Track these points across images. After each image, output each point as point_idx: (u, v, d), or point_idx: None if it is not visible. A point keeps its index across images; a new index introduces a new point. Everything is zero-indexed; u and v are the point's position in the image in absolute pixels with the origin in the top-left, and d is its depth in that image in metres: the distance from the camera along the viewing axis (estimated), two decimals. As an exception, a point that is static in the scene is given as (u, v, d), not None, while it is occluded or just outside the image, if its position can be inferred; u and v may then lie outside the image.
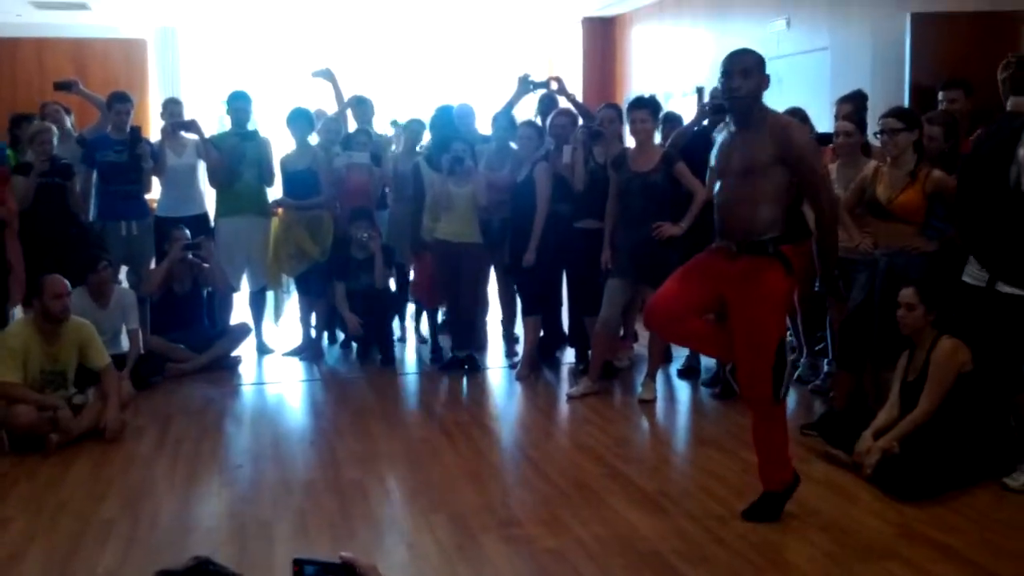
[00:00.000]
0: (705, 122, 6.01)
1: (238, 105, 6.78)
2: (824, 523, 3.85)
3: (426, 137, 7.05)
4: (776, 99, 6.22)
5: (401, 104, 10.30)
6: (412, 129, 7.12)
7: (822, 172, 3.74)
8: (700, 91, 8.50)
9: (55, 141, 6.28)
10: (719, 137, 3.91)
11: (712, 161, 3.92)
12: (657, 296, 3.89)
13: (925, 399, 4.33)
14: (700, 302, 3.86)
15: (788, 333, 5.96)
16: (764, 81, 3.68)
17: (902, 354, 4.54)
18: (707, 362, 6.14)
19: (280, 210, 6.87)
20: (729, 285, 3.72)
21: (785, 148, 3.61)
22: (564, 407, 5.69)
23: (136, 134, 6.55)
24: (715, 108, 5.90)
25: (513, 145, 6.45)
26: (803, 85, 7.24)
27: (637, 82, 10.42)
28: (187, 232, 6.47)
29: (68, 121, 6.92)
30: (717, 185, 3.86)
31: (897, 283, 4.56)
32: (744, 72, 3.63)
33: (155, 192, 7.02)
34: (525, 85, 6.76)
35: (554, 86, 6.84)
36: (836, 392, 5.22)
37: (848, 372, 5.05)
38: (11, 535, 3.80)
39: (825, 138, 5.70)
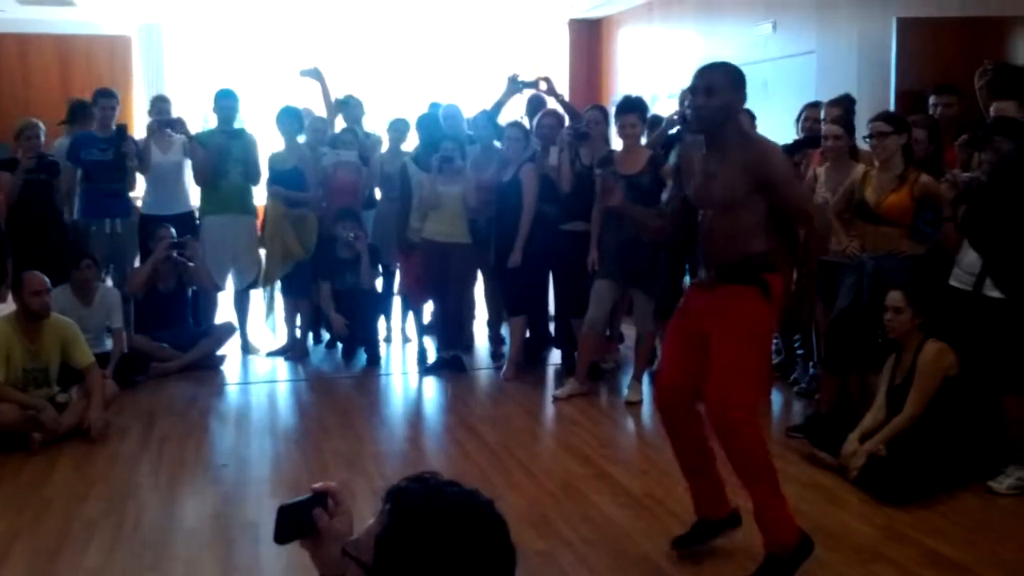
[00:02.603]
0: (674, 130, 6.04)
1: (224, 103, 6.74)
2: (810, 526, 3.82)
3: (412, 137, 7.04)
4: (761, 103, 6.29)
5: (388, 103, 10.28)
6: (396, 129, 7.10)
7: (799, 193, 3.41)
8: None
9: (42, 137, 6.26)
10: (691, 153, 3.53)
11: (682, 184, 3.56)
12: (662, 371, 3.62)
13: (910, 403, 4.35)
14: (696, 361, 3.41)
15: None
16: (736, 99, 3.33)
17: (888, 357, 4.56)
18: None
19: (262, 209, 6.81)
20: (709, 319, 3.39)
21: (761, 176, 3.27)
22: (550, 408, 5.68)
23: (122, 132, 6.49)
24: (683, 117, 5.93)
25: (497, 144, 6.45)
26: (789, 89, 7.27)
27: (623, 84, 10.43)
28: (172, 231, 6.42)
29: None
30: (700, 215, 3.50)
31: (884, 286, 4.58)
32: (708, 90, 3.27)
33: (140, 190, 6.98)
34: (514, 85, 6.77)
35: (543, 87, 6.84)
36: (822, 395, 5.23)
37: (834, 375, 5.07)
38: (-6, 534, 3.77)
39: (810, 141, 5.73)
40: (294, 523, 1.49)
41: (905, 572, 3.46)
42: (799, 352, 5.98)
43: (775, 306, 3.44)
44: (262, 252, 6.85)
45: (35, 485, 4.31)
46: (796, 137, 5.96)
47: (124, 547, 3.66)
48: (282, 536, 1.49)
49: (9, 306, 5.41)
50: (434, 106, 7.20)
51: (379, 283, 6.95)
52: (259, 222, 6.98)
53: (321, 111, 7.27)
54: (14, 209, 6.11)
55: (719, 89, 3.27)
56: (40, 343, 5.02)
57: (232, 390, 6.16)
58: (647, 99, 6.63)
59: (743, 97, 3.35)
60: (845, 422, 4.59)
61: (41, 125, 6.34)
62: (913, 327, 4.41)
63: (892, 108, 5.66)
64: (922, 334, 4.42)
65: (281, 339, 7.01)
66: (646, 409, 5.65)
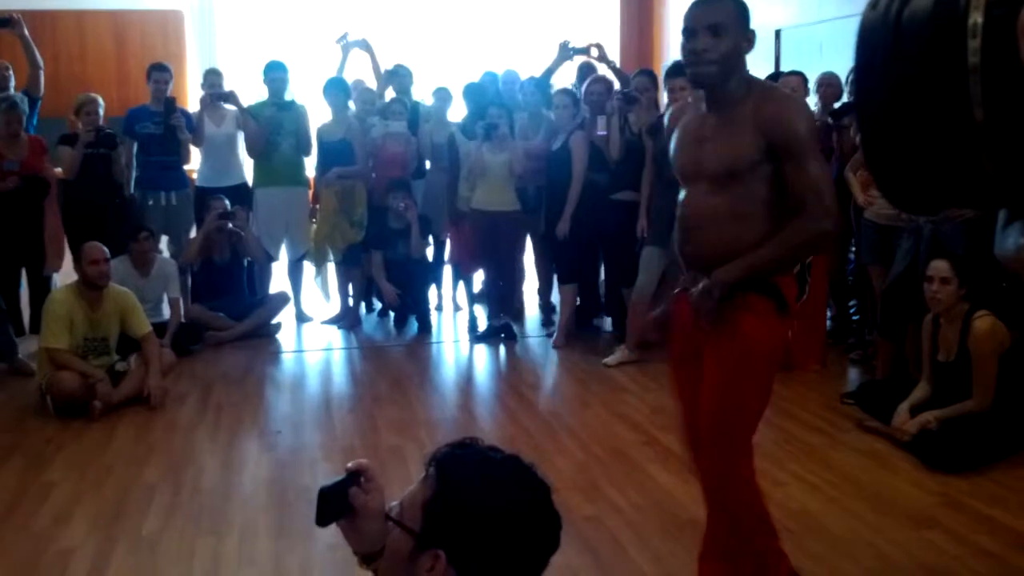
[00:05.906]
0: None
1: (275, 75, 6.78)
2: (863, 492, 3.82)
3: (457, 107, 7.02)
4: (817, 66, 6.18)
5: (438, 72, 10.25)
6: (441, 98, 7.09)
7: (820, 175, 2.52)
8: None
9: (101, 112, 6.37)
10: (681, 120, 2.85)
11: (671, 154, 2.84)
12: (680, 422, 2.91)
13: (978, 395, 4.14)
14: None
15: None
16: (745, 40, 2.62)
17: (924, 320, 4.43)
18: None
19: (311, 197, 6.86)
20: (706, 340, 2.67)
21: (777, 136, 2.52)
22: (601, 375, 5.66)
23: (170, 104, 6.54)
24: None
25: (547, 113, 6.41)
26: (846, 51, 7.03)
27: (675, 49, 10.28)
28: (226, 202, 6.51)
29: (12, 80, 6.73)
30: (682, 193, 2.80)
31: (942, 251, 4.48)
32: (714, 29, 2.56)
33: (195, 163, 7.07)
34: (565, 52, 6.71)
35: (594, 53, 6.77)
36: (878, 361, 5.16)
37: (889, 341, 5.00)
38: (57, 498, 3.87)
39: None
40: (333, 504, 1.52)
41: (961, 539, 3.41)
42: (855, 318, 5.90)
43: (789, 320, 2.67)
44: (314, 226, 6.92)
45: (96, 450, 4.41)
46: (846, 100, 5.83)
47: (182, 511, 3.74)
48: (323, 519, 1.52)
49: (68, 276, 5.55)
50: (488, 75, 7.17)
51: (430, 252, 6.98)
52: (310, 193, 7.05)
53: (372, 82, 7.29)
54: (73, 183, 6.25)
55: (727, 28, 2.57)
56: (100, 312, 5.13)
57: (287, 358, 6.25)
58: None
59: (752, 38, 2.63)
60: (899, 389, 4.52)
61: (100, 100, 6.46)
62: (958, 299, 4.22)
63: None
64: (967, 304, 4.22)
65: (333, 303, 7.09)
66: (697, 376, 5.62)
